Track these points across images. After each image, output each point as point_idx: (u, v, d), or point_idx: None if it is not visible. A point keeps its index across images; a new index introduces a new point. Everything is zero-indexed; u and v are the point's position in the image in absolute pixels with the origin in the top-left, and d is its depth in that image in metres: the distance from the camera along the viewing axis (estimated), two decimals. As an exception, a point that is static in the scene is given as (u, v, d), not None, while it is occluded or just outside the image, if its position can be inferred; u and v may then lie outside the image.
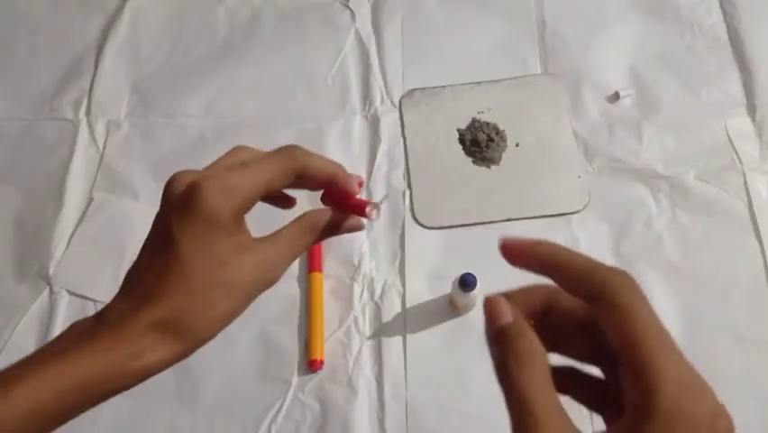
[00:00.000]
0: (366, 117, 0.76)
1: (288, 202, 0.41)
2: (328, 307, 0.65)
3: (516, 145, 0.73)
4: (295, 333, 0.65)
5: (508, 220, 0.69)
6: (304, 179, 0.36)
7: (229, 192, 0.33)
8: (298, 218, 0.37)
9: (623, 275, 0.28)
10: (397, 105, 0.76)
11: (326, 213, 0.38)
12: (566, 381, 0.30)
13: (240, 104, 0.77)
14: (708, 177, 0.70)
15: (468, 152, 0.73)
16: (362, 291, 0.66)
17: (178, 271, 0.33)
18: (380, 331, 0.64)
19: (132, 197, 0.72)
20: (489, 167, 0.72)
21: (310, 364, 0.63)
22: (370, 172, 0.73)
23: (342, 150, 0.74)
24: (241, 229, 0.34)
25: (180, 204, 0.33)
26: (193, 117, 0.77)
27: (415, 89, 0.77)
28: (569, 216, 0.69)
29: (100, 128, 0.77)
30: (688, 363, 0.27)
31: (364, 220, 0.39)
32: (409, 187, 0.71)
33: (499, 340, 0.27)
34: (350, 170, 0.76)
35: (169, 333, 0.32)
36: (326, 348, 0.63)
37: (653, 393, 0.26)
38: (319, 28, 0.82)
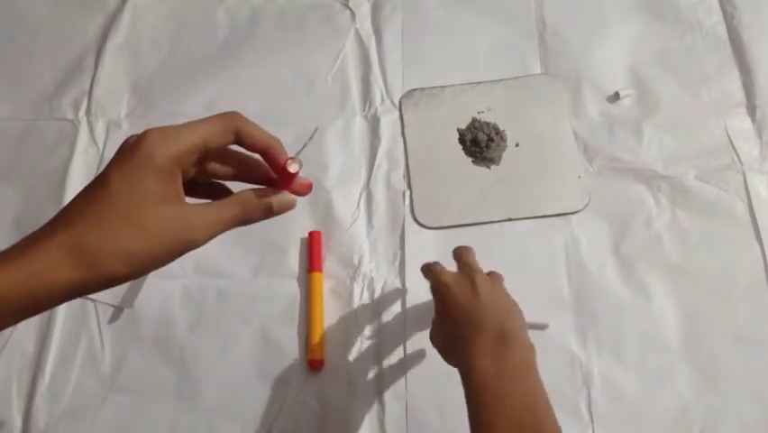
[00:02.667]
0: (366, 117, 0.76)
1: (223, 192, 0.41)
2: (328, 307, 0.65)
3: (516, 145, 0.73)
4: (295, 333, 0.65)
5: (508, 220, 0.69)
6: (242, 143, 0.38)
7: (167, 138, 0.35)
8: (232, 195, 0.38)
9: None
10: (397, 105, 0.76)
11: (259, 192, 0.38)
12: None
13: (240, 104, 0.77)
14: (708, 177, 0.70)
15: (468, 152, 0.73)
16: (362, 291, 0.66)
17: (101, 202, 0.34)
18: (380, 331, 0.64)
19: (132, 197, 0.72)
20: (488, 167, 0.72)
21: (310, 364, 0.63)
22: (370, 172, 0.73)
23: (342, 150, 0.74)
24: (172, 182, 0.35)
25: (124, 149, 0.35)
26: (193, 117, 0.76)
27: (415, 89, 0.77)
28: (569, 216, 0.69)
29: (100, 128, 0.77)
30: None
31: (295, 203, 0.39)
32: (409, 187, 0.71)
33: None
34: (350, 169, 0.77)
35: (75, 256, 0.32)
36: (326, 348, 0.63)
37: None
38: (319, 28, 0.82)
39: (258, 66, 0.80)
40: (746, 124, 0.73)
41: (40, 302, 0.32)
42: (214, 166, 0.39)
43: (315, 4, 0.83)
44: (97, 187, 0.34)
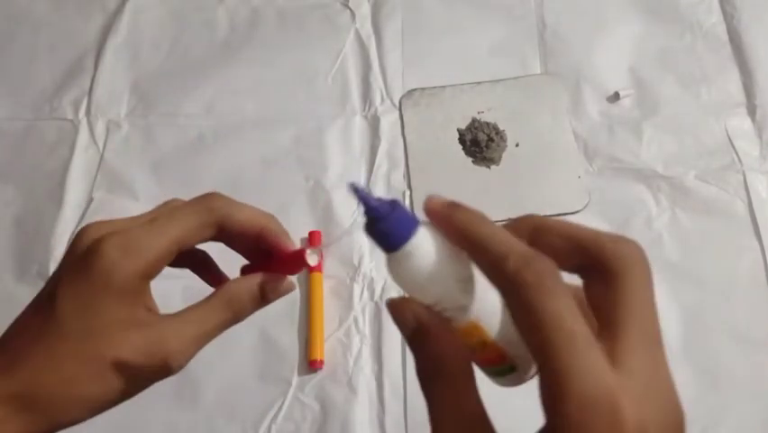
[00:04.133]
0: (366, 117, 0.76)
1: (217, 282, 0.34)
2: (328, 307, 0.65)
3: (516, 145, 0.73)
4: (295, 333, 0.65)
5: (509, 220, 0.69)
6: (227, 234, 0.31)
7: (129, 251, 0.28)
8: (216, 292, 0.31)
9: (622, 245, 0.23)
10: (397, 105, 0.76)
11: (249, 283, 0.32)
12: None
13: (240, 104, 0.77)
14: (708, 177, 0.70)
15: (468, 152, 0.73)
16: (362, 291, 0.66)
17: (50, 336, 0.27)
18: (380, 331, 0.64)
19: (132, 197, 0.72)
20: (489, 167, 0.72)
21: (310, 364, 0.63)
22: (370, 172, 0.73)
23: (342, 150, 0.74)
24: (140, 299, 0.29)
25: (77, 261, 0.28)
26: (193, 117, 0.77)
27: (415, 89, 0.77)
28: (569, 216, 0.69)
29: (100, 128, 0.77)
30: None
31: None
32: (409, 187, 0.71)
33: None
34: (350, 169, 0.76)
35: (25, 409, 0.27)
36: (326, 348, 0.63)
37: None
38: (319, 28, 0.82)
39: (258, 66, 0.80)
40: (746, 124, 0.73)
41: None
42: (194, 254, 0.33)
43: (315, 4, 0.83)
44: (45, 315, 0.28)
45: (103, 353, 0.28)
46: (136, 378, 0.29)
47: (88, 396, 0.28)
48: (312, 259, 0.31)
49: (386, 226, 0.24)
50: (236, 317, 0.31)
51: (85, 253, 0.28)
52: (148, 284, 0.30)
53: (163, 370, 0.29)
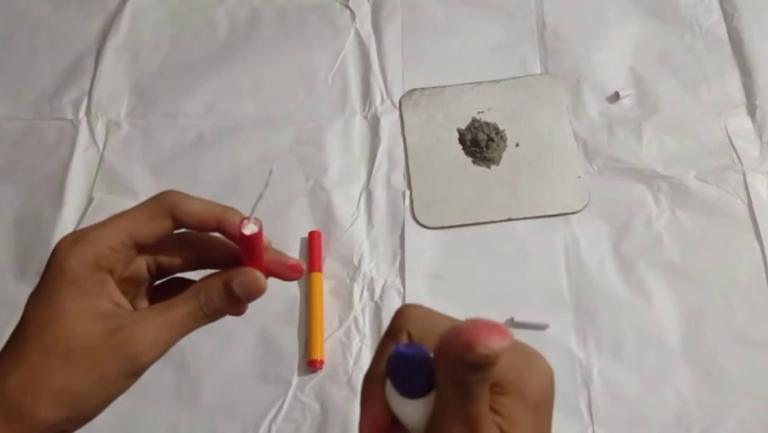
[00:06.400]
0: (366, 117, 0.76)
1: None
2: (328, 307, 0.65)
3: (516, 145, 0.73)
4: (295, 333, 0.65)
5: (508, 220, 0.69)
6: (183, 225, 0.31)
7: (79, 242, 0.29)
8: (192, 290, 0.31)
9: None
10: (397, 105, 0.76)
11: (216, 278, 0.31)
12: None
13: (240, 104, 0.77)
14: (708, 177, 0.70)
15: (468, 152, 0.73)
16: (362, 291, 0.66)
17: (18, 337, 0.28)
18: (380, 331, 0.64)
19: (132, 197, 0.72)
20: (489, 167, 0.72)
21: (310, 364, 0.63)
22: (370, 172, 0.73)
23: (342, 150, 0.74)
24: (101, 292, 0.29)
25: (45, 268, 0.29)
26: (193, 117, 0.77)
27: (415, 89, 0.77)
28: (569, 215, 0.69)
29: (100, 128, 0.77)
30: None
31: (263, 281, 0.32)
32: (409, 187, 0.71)
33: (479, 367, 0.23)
34: (350, 169, 0.77)
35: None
36: (326, 348, 0.63)
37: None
38: (319, 28, 0.82)
39: (258, 66, 0.80)
40: (746, 124, 0.73)
41: None
42: (167, 258, 0.33)
43: (315, 4, 0.83)
44: (20, 320, 0.29)
45: (65, 343, 0.27)
46: (105, 371, 0.28)
47: (57, 388, 0.27)
48: (248, 228, 0.30)
49: (420, 371, 0.25)
50: (204, 309, 0.31)
51: (48, 259, 0.29)
52: (107, 277, 0.29)
53: (133, 363, 0.28)
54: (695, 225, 0.68)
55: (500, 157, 0.73)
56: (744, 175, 0.70)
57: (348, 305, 0.66)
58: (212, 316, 0.31)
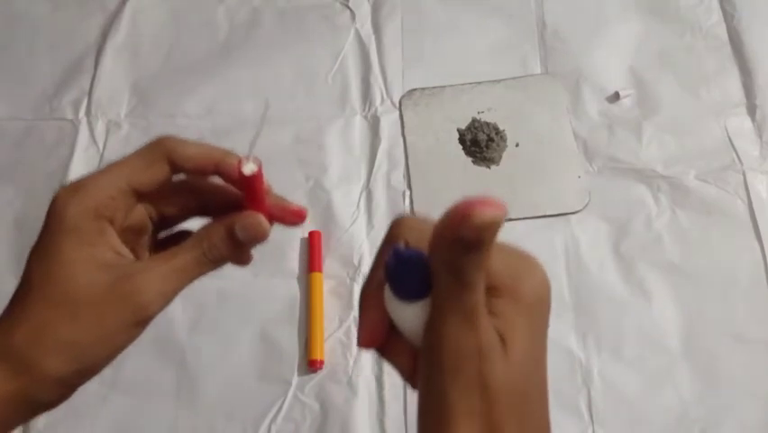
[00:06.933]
0: (366, 117, 0.76)
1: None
2: (328, 307, 0.65)
3: (516, 145, 0.73)
4: (295, 333, 0.65)
5: (509, 220, 0.69)
6: (181, 170, 0.31)
7: (77, 191, 0.29)
8: (194, 237, 0.31)
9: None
10: (397, 105, 0.76)
11: (218, 223, 0.31)
12: None
13: (240, 104, 0.77)
14: (708, 177, 0.70)
15: (468, 152, 0.73)
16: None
17: (23, 291, 0.28)
18: (380, 331, 0.64)
19: (132, 197, 0.72)
20: (489, 167, 0.72)
21: (310, 364, 0.63)
22: (370, 172, 0.73)
23: (342, 150, 0.74)
24: (101, 241, 0.28)
25: (44, 220, 0.28)
26: (192, 117, 0.77)
27: (415, 89, 0.77)
28: (569, 215, 0.69)
29: (100, 128, 0.77)
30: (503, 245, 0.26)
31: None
32: (409, 187, 0.71)
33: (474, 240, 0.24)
34: (350, 169, 0.76)
35: (3, 361, 0.27)
36: (326, 348, 0.63)
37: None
38: (319, 28, 0.82)
39: (258, 66, 0.80)
40: (746, 124, 0.73)
41: None
42: (167, 206, 0.32)
43: (315, 4, 0.83)
44: (22, 277, 0.29)
45: (69, 295, 0.27)
46: (111, 322, 0.28)
47: (63, 339, 0.27)
48: (247, 168, 0.29)
49: (418, 273, 0.26)
50: (208, 256, 0.30)
51: (48, 209, 0.29)
52: (108, 226, 0.29)
53: (138, 313, 0.28)
54: (695, 225, 0.68)
55: (500, 157, 0.73)
56: (744, 175, 0.70)
57: (348, 305, 0.66)
58: (216, 262, 0.31)
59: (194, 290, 0.71)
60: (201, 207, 0.33)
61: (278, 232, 0.72)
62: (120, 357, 0.67)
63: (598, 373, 0.62)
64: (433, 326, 0.25)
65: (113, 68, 0.81)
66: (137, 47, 0.82)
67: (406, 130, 0.75)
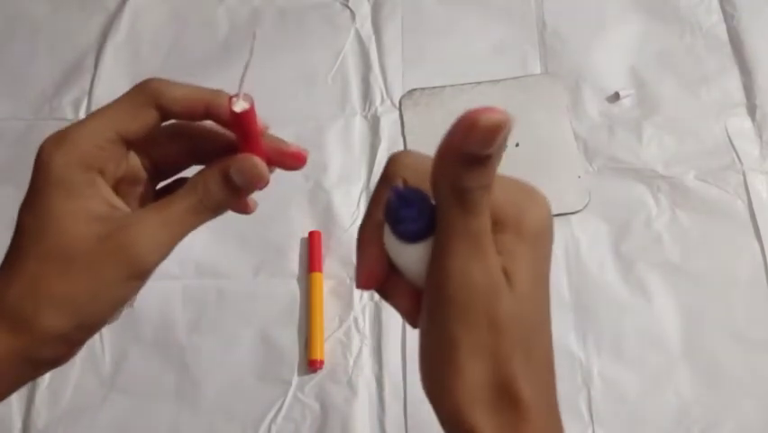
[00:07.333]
0: (366, 117, 0.76)
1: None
2: (328, 307, 0.65)
3: (517, 145, 0.73)
4: (295, 333, 0.65)
5: (508, 220, 0.69)
6: (170, 114, 0.29)
7: (62, 142, 0.28)
8: (189, 184, 0.29)
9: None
10: (397, 105, 0.76)
11: (212, 167, 0.29)
12: None
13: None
14: (708, 177, 0.70)
15: (468, 152, 0.73)
16: (362, 291, 0.66)
17: (15, 248, 0.27)
18: (380, 331, 0.64)
19: (132, 197, 0.72)
20: (489, 167, 0.72)
21: (310, 364, 0.63)
22: (370, 172, 0.73)
23: (342, 150, 0.74)
24: (92, 192, 0.27)
25: (31, 175, 0.27)
26: (193, 117, 0.77)
27: (415, 89, 0.77)
28: (569, 215, 0.69)
29: (100, 128, 0.77)
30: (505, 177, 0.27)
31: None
32: (409, 187, 0.71)
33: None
34: (350, 169, 0.76)
35: (2, 322, 0.26)
36: (326, 348, 0.63)
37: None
38: (319, 28, 0.82)
39: (258, 66, 0.79)
40: (746, 124, 0.73)
41: None
42: (160, 153, 0.31)
43: (315, 4, 0.83)
44: (13, 234, 0.28)
45: (61, 249, 0.26)
46: (106, 276, 0.27)
47: (58, 295, 0.26)
48: (238, 105, 0.28)
49: (419, 212, 0.25)
50: (205, 203, 0.29)
51: (33, 162, 0.28)
52: (98, 177, 0.28)
53: (134, 266, 0.27)
54: (695, 225, 0.68)
55: (500, 157, 0.72)
56: (744, 175, 0.70)
57: (348, 305, 0.66)
58: (213, 209, 0.29)
59: (194, 291, 0.71)
60: (196, 153, 0.31)
61: (278, 232, 0.73)
62: (120, 357, 0.68)
63: (599, 373, 0.62)
64: (438, 260, 0.25)
65: (113, 68, 0.81)
66: (137, 47, 0.82)
67: (406, 130, 0.75)
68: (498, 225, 0.25)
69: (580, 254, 0.67)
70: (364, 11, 0.82)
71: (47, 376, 0.64)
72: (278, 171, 0.78)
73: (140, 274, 0.28)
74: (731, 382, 0.61)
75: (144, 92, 0.28)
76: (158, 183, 0.32)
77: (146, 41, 0.83)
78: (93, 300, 0.27)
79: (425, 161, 0.26)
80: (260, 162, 0.30)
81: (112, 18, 0.84)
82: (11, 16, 0.85)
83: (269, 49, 0.81)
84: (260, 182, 0.30)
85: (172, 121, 0.30)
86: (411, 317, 0.27)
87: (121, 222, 0.27)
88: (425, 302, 0.26)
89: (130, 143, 0.29)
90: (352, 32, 0.81)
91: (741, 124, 0.73)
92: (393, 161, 0.29)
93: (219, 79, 0.85)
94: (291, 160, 0.33)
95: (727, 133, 0.72)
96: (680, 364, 0.62)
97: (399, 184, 0.27)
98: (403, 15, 0.82)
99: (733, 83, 0.75)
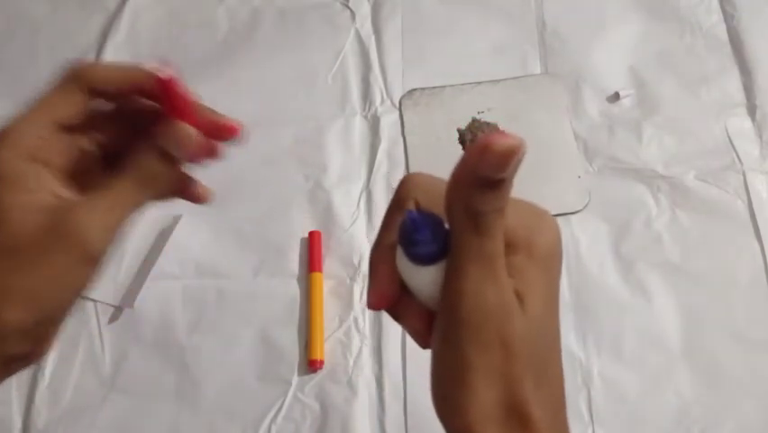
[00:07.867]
0: (366, 117, 0.76)
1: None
2: (328, 307, 0.65)
3: (516, 145, 0.73)
4: (295, 333, 0.65)
5: (508, 220, 0.69)
6: (104, 95, 0.30)
7: (6, 138, 0.28)
8: (128, 162, 0.29)
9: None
10: (397, 105, 0.76)
11: (148, 142, 0.29)
12: None
13: (240, 104, 0.77)
14: (708, 177, 0.70)
15: (468, 152, 0.73)
16: (362, 291, 0.66)
17: None
18: (380, 331, 0.64)
19: (132, 197, 0.72)
20: (489, 167, 0.72)
21: (310, 364, 0.63)
22: (370, 172, 0.73)
23: (342, 150, 0.74)
24: (39, 185, 0.28)
25: None
26: (193, 117, 0.77)
27: (415, 89, 0.77)
28: (569, 215, 0.69)
29: (100, 128, 0.77)
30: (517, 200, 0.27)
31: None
32: (409, 187, 0.71)
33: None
34: (350, 169, 0.76)
35: None
36: (326, 348, 0.63)
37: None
38: (319, 28, 0.82)
39: (258, 66, 0.80)
40: (746, 124, 0.73)
41: None
42: (104, 137, 0.31)
43: (315, 4, 0.83)
44: None
45: (10, 241, 0.26)
46: (57, 265, 0.27)
47: (16, 288, 0.26)
48: (163, 73, 0.29)
49: (432, 236, 0.26)
50: (145, 178, 0.29)
51: None
52: (43, 169, 0.28)
53: (85, 251, 0.27)
54: (695, 225, 0.68)
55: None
56: (744, 175, 0.70)
57: (348, 305, 0.66)
58: (155, 185, 0.30)
59: (194, 291, 0.72)
60: (137, 132, 0.31)
61: (278, 232, 0.73)
62: (120, 357, 0.68)
63: (599, 373, 0.62)
64: (452, 282, 0.25)
65: (113, 68, 0.81)
66: (137, 47, 0.82)
67: (406, 130, 0.75)
68: (509, 247, 0.26)
69: (580, 254, 0.67)
70: (364, 11, 0.82)
71: (47, 376, 0.64)
72: (278, 172, 0.79)
73: (91, 259, 0.28)
74: (731, 382, 0.61)
75: (72, 77, 0.29)
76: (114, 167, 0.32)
77: (146, 41, 0.83)
78: (48, 290, 0.27)
79: (436, 183, 0.27)
80: (188, 128, 0.30)
81: (112, 18, 0.84)
82: (11, 16, 0.86)
83: (269, 49, 0.81)
84: (192, 149, 0.30)
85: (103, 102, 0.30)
86: (422, 339, 0.28)
87: (67, 211, 0.27)
88: (438, 324, 0.26)
89: (69, 129, 0.29)
90: (352, 31, 0.81)
91: (741, 124, 0.73)
92: (405, 183, 0.28)
93: (219, 79, 0.85)
94: (225, 131, 0.33)
95: (727, 133, 0.72)
96: (680, 364, 0.62)
97: (412, 206, 0.28)
98: (403, 15, 0.82)
99: (733, 83, 0.75)
